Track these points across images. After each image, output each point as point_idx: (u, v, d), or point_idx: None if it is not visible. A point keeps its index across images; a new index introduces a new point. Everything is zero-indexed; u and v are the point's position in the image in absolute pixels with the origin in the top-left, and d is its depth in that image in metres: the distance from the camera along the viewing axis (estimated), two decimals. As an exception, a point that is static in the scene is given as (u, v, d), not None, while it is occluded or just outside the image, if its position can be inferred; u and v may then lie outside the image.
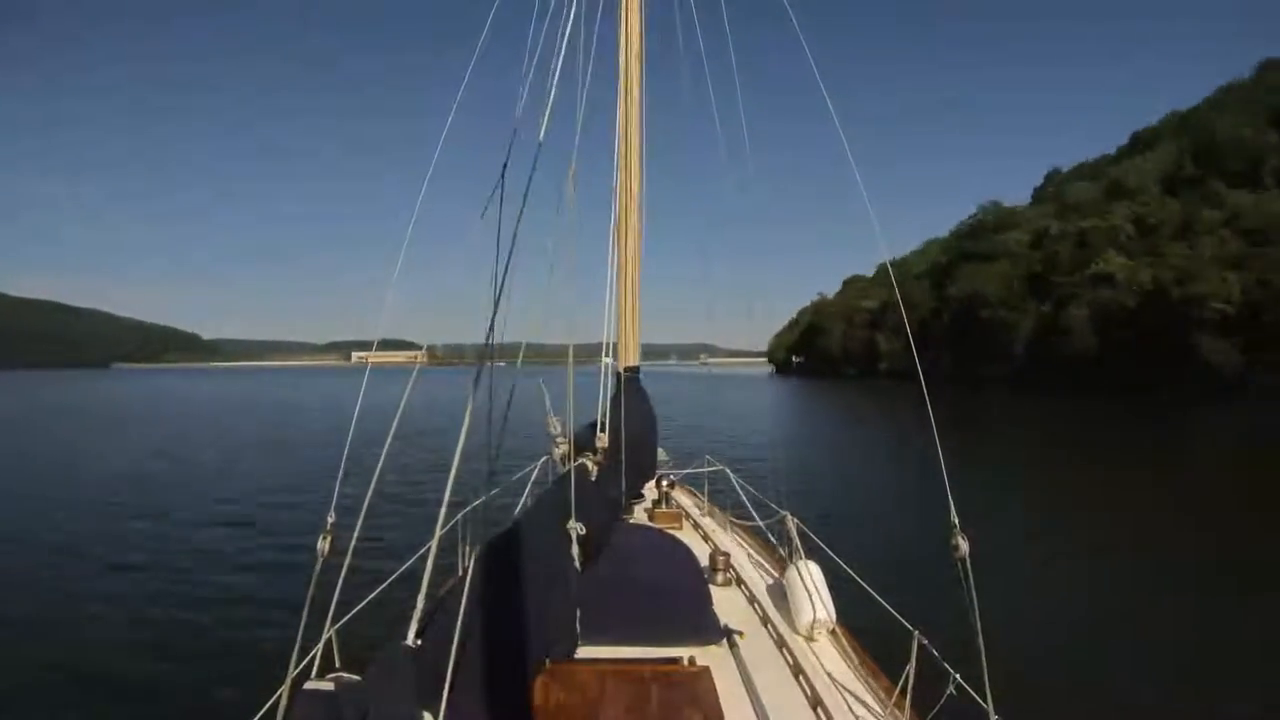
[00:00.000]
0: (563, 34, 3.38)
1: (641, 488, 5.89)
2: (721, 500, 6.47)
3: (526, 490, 5.97)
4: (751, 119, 6.01)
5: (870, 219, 3.53)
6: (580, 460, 4.19)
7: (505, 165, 2.86)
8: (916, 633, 3.13)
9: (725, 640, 3.39)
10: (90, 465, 19.34)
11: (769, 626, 3.67)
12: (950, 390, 51.35)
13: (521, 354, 3.40)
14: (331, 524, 2.58)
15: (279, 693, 2.28)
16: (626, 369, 5.57)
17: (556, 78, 3.09)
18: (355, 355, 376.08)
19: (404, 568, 3.72)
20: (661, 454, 6.45)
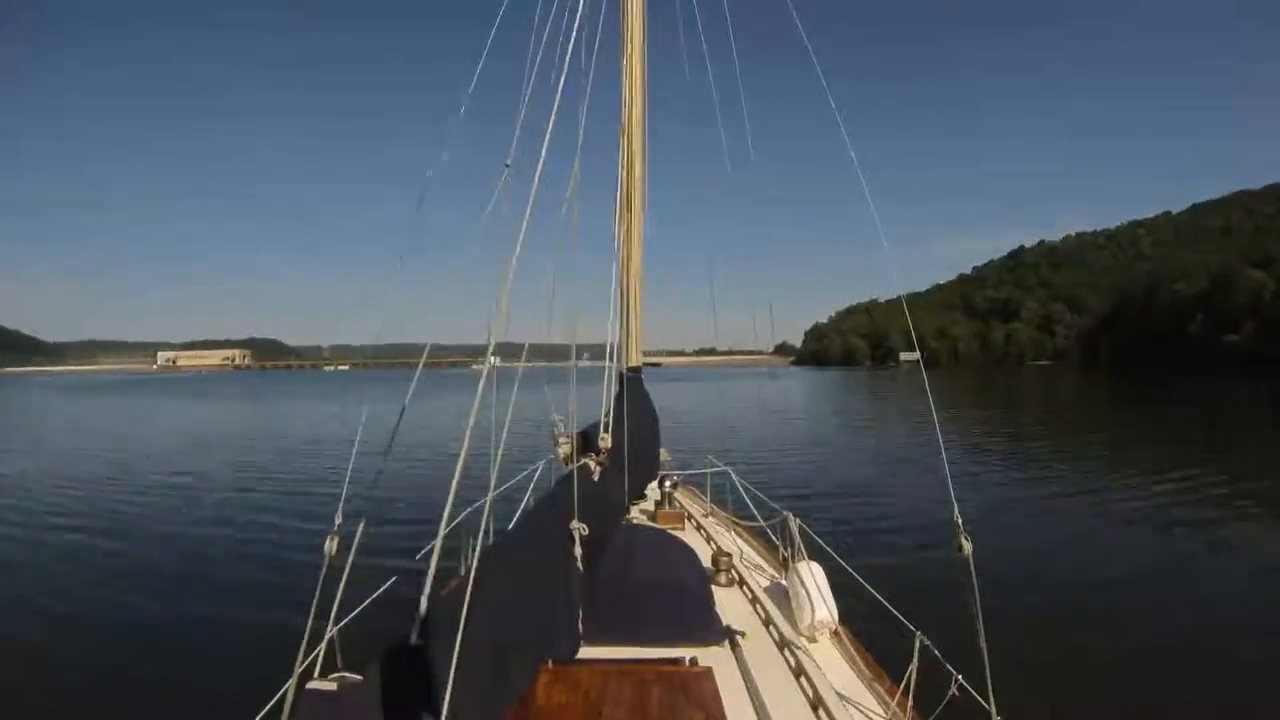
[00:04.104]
0: (565, 36, 3.39)
1: (644, 488, 5.89)
2: (724, 501, 6.47)
3: (529, 491, 5.98)
4: (756, 117, 6.00)
5: (873, 218, 3.50)
6: (583, 461, 4.19)
7: (507, 166, 2.87)
8: (918, 633, 3.14)
9: (727, 641, 3.39)
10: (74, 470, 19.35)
11: (771, 627, 3.67)
12: None
13: (524, 354, 3.41)
14: (339, 525, 2.59)
15: (282, 691, 2.29)
16: (629, 369, 5.58)
17: (565, 75, 3.10)
18: (161, 356, 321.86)
19: (407, 568, 3.74)
20: (664, 454, 6.46)
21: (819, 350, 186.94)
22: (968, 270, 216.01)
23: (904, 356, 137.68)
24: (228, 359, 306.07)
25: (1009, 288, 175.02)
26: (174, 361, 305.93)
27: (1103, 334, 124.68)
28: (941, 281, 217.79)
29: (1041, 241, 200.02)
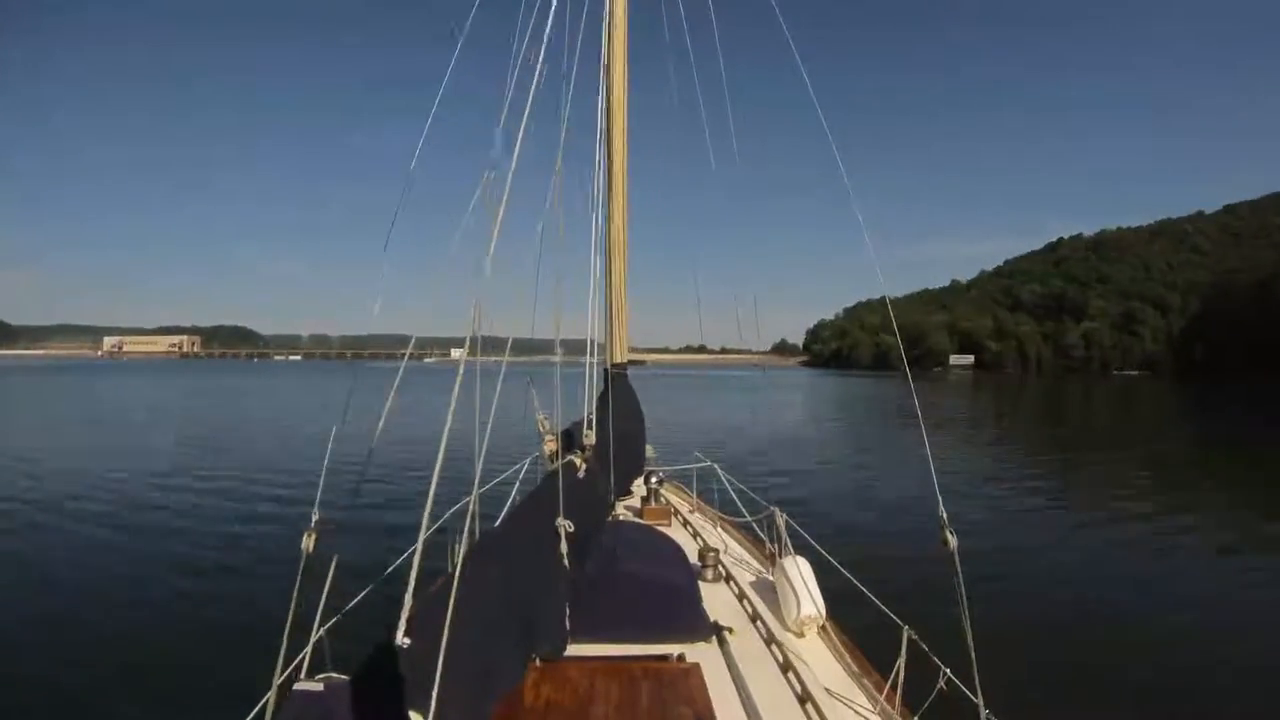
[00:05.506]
0: (548, 29, 3.36)
1: (630, 485, 5.88)
2: (710, 497, 6.48)
3: (515, 488, 5.95)
4: (744, 115, 6.01)
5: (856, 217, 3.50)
6: (568, 458, 4.17)
7: (493, 161, 2.83)
8: (906, 628, 3.15)
9: (715, 637, 3.38)
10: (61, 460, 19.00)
11: (758, 623, 3.68)
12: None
13: (508, 350, 3.38)
14: (316, 522, 2.55)
15: (270, 694, 2.26)
16: (615, 366, 5.56)
17: (540, 64, 3.07)
18: (107, 341, 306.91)
19: (392, 567, 3.69)
20: (650, 451, 6.46)
21: (840, 349, 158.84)
22: (965, 274, 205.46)
23: (954, 360, 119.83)
24: (174, 345, 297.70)
25: (1058, 281, 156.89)
26: (120, 347, 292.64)
27: (1197, 337, 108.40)
28: (963, 279, 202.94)
29: (1079, 235, 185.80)
